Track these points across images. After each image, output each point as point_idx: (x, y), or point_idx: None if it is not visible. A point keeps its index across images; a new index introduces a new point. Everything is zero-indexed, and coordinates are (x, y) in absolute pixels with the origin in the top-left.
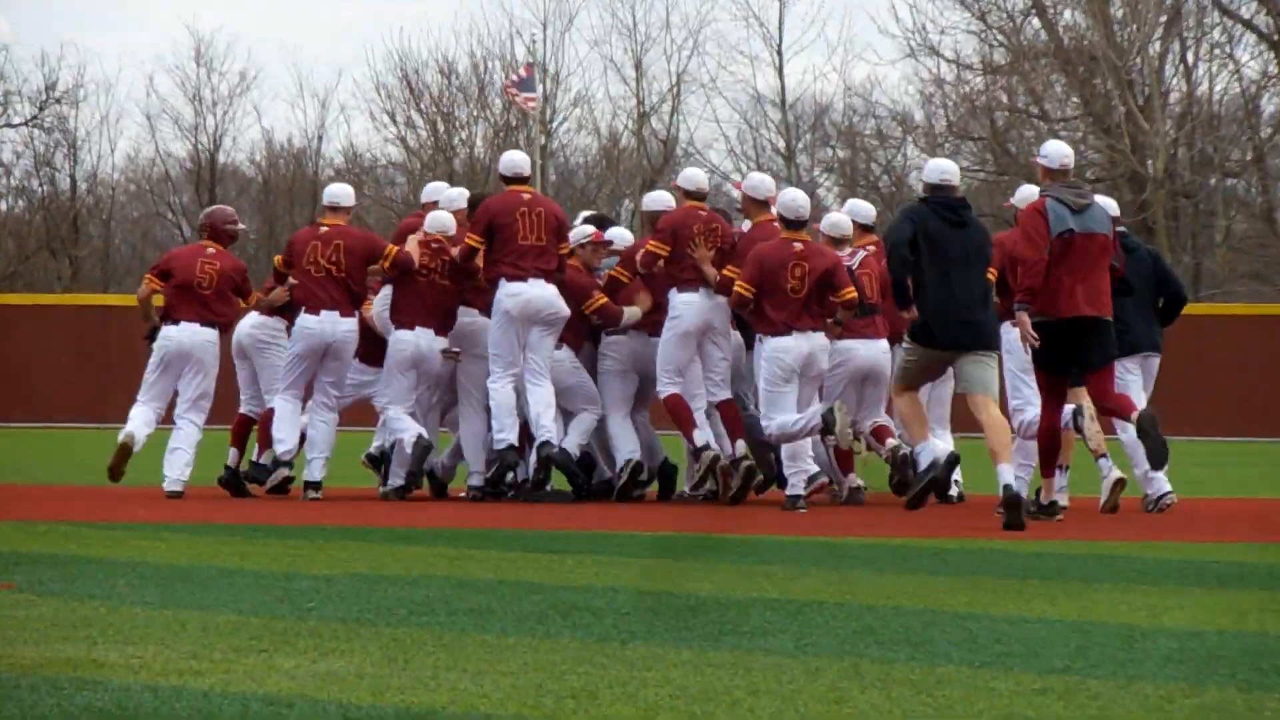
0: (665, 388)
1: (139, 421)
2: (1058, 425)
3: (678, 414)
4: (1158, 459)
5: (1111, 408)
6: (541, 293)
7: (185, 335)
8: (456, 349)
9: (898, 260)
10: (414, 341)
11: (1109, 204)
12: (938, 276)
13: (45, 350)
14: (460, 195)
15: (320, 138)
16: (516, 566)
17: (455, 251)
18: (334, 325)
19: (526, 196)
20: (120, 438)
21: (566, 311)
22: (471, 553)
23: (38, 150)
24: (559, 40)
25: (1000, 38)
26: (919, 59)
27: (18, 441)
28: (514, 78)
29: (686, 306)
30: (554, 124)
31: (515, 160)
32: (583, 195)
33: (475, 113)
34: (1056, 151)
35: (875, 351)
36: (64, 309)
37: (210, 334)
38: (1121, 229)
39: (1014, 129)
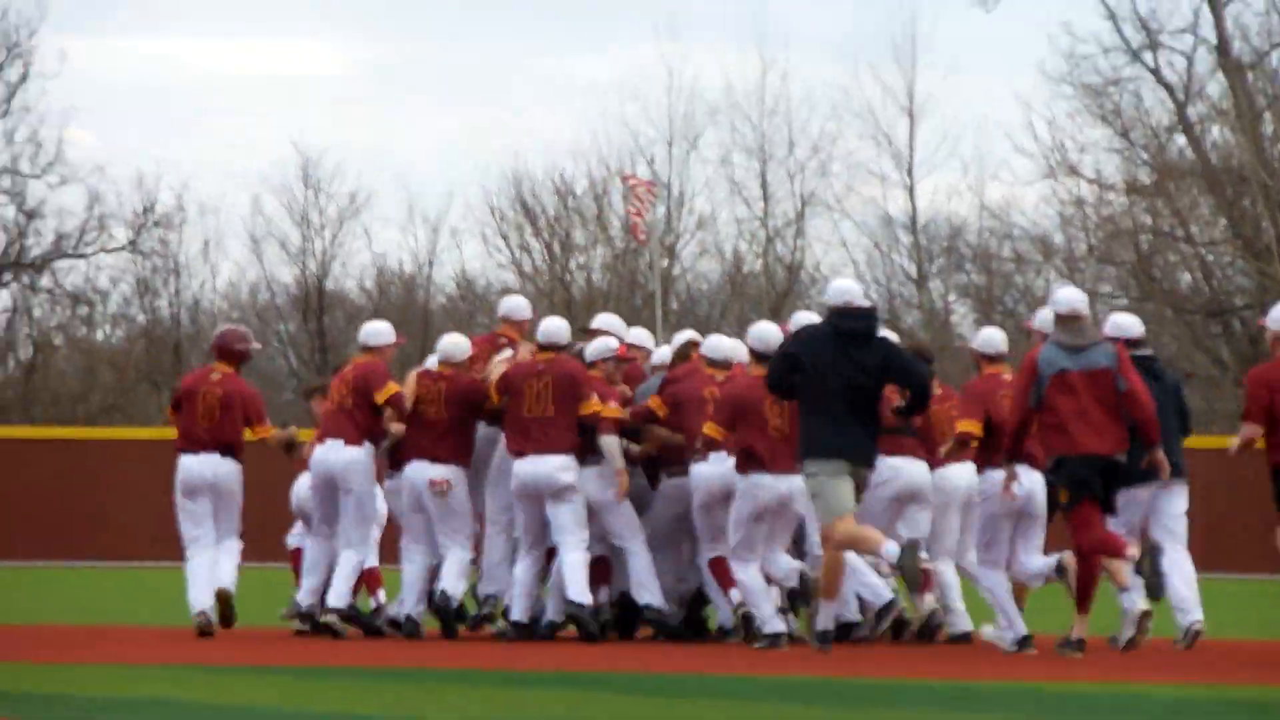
0: (705, 552)
1: (200, 587)
2: (1097, 560)
3: (717, 577)
4: (1154, 591)
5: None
6: (536, 470)
7: (195, 465)
8: (447, 480)
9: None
10: (410, 480)
11: (1129, 323)
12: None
13: (145, 487)
14: (524, 306)
15: (431, 263)
16: (635, 711)
17: (481, 373)
18: (337, 454)
19: (540, 366)
20: (194, 621)
21: (569, 481)
22: (590, 695)
23: (138, 275)
24: (683, 159)
25: (1144, 155)
26: (1058, 179)
27: (119, 582)
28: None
29: (700, 479)
30: (677, 246)
31: (549, 329)
32: (705, 323)
33: (594, 235)
34: (1066, 298)
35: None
36: (166, 444)
37: (225, 463)
38: (1147, 352)
39: (1159, 253)
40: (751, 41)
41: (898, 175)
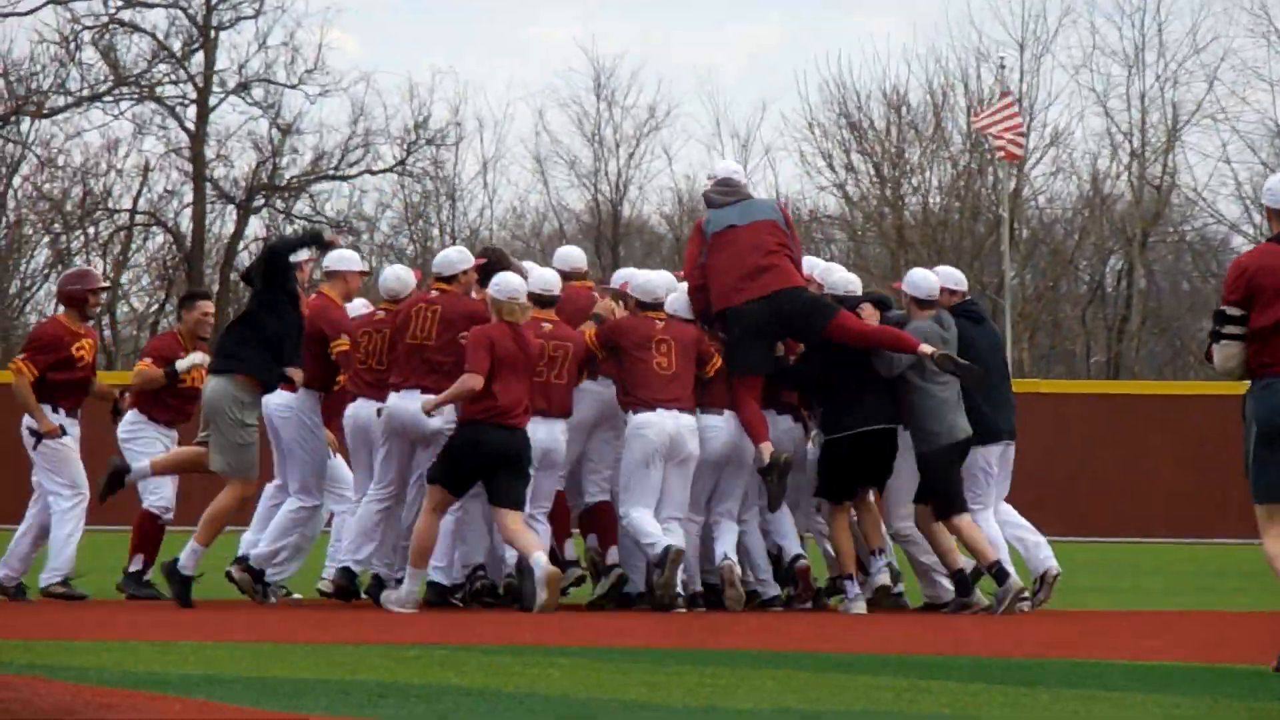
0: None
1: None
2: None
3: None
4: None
5: None
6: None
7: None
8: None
9: None
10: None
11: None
12: None
13: None
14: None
15: None
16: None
17: None
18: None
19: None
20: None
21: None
22: (923, 684)
23: (408, 200)
24: (1033, 66)
25: None
26: None
27: None
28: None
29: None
30: (1027, 166)
31: (442, 257)
32: (1058, 252)
33: (931, 152)
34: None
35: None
36: None
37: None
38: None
39: None
40: None
41: None
